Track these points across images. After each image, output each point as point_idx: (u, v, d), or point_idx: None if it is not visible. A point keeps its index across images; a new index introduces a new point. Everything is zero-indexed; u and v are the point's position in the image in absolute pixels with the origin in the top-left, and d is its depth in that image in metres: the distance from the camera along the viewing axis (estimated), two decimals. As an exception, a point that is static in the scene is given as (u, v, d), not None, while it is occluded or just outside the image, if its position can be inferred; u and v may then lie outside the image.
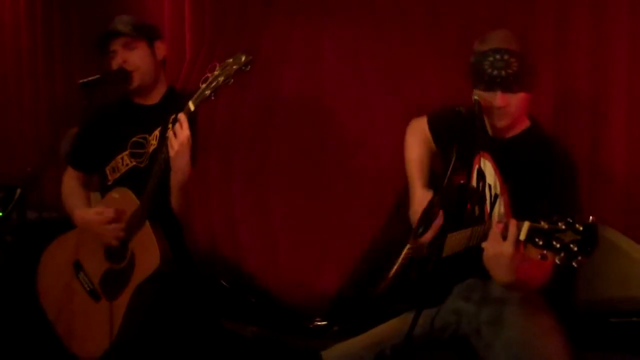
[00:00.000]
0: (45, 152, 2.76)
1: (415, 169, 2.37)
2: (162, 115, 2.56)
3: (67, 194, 2.69)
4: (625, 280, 2.37)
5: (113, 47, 2.53)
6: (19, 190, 2.36)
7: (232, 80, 2.23)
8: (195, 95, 2.28)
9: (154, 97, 2.62)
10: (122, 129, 2.60)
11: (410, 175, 2.37)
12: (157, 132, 2.56)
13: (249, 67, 2.22)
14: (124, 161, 2.58)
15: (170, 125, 2.51)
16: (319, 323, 3.02)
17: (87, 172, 2.72)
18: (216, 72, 2.24)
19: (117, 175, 2.60)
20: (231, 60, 2.24)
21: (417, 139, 2.42)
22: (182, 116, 2.30)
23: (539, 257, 1.69)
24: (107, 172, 2.62)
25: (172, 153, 2.29)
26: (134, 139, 2.58)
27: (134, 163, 2.57)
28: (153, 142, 2.56)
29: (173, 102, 2.58)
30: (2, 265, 3.12)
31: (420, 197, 2.26)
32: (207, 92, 2.25)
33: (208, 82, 2.25)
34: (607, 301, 2.39)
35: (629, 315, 2.34)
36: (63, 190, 2.70)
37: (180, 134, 2.27)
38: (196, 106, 2.28)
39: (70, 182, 2.70)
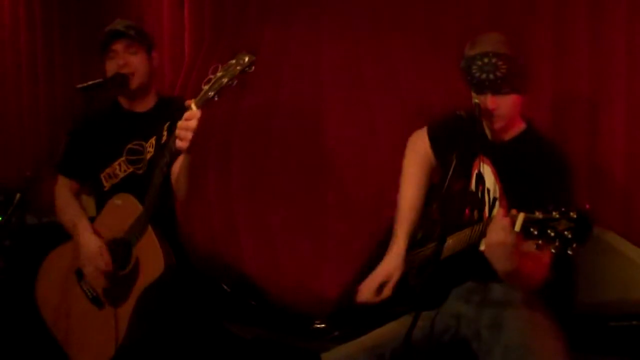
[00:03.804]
0: (45, 156, 2.76)
1: (404, 219, 2.31)
2: (157, 121, 2.57)
3: (61, 206, 2.68)
4: (624, 284, 2.37)
5: (114, 47, 2.53)
6: (18, 195, 2.36)
7: (236, 81, 2.16)
8: (198, 97, 2.20)
9: (146, 105, 2.63)
10: (116, 135, 2.60)
11: (398, 221, 2.31)
12: (153, 140, 2.56)
13: (253, 67, 2.16)
14: (122, 167, 2.59)
15: (165, 133, 2.53)
16: (318, 325, 3.02)
17: (80, 180, 2.70)
18: (219, 74, 2.17)
19: (115, 181, 2.60)
20: (234, 61, 2.17)
21: (414, 167, 2.36)
22: (192, 112, 2.18)
23: (535, 247, 1.70)
24: (103, 178, 2.62)
25: (185, 145, 2.18)
26: (129, 145, 2.58)
27: (132, 169, 2.58)
28: (150, 149, 2.56)
29: (166, 109, 2.60)
30: (1, 270, 3.12)
31: (396, 252, 2.24)
32: (211, 94, 2.17)
33: (211, 84, 2.17)
34: (606, 304, 2.39)
35: (629, 318, 2.34)
36: (57, 202, 2.69)
37: (190, 124, 2.18)
38: (199, 108, 2.20)
39: (63, 193, 2.69)
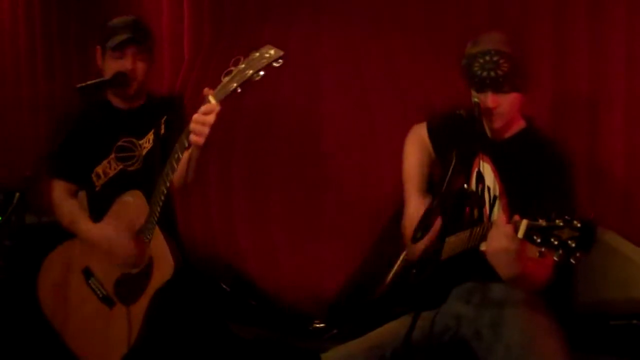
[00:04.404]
0: (45, 155, 2.75)
1: (412, 179, 2.34)
2: (147, 118, 2.56)
3: (57, 205, 2.65)
4: (624, 283, 2.38)
5: (126, 50, 2.50)
6: (18, 194, 2.35)
7: (262, 73, 2.02)
8: (217, 89, 2.07)
9: (136, 102, 2.61)
10: (104, 134, 2.59)
11: (406, 185, 2.35)
12: (150, 135, 2.56)
13: (281, 61, 2.03)
14: (111, 165, 2.58)
15: (163, 127, 2.52)
16: (318, 325, 3.02)
17: (75, 181, 2.68)
18: (242, 66, 2.04)
19: (105, 179, 2.60)
20: (257, 53, 2.05)
21: (415, 148, 2.40)
22: (211, 106, 2.07)
23: (537, 254, 1.70)
24: (94, 178, 2.61)
25: (201, 140, 2.09)
26: (118, 143, 2.58)
27: (121, 167, 2.58)
28: (146, 144, 2.56)
29: (156, 106, 2.60)
30: (1, 269, 3.11)
31: (416, 205, 2.25)
32: (233, 85, 2.03)
33: (232, 75, 2.05)
34: (606, 303, 2.40)
35: (628, 317, 2.34)
36: (54, 205, 2.66)
37: (207, 119, 2.08)
38: (219, 101, 2.07)
39: (57, 194, 2.67)
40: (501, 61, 2.00)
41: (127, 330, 2.41)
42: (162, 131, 2.53)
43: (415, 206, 2.26)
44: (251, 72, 2.02)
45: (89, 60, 2.85)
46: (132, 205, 2.46)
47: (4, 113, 4.49)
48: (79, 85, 2.41)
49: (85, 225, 2.56)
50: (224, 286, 3.32)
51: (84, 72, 3.86)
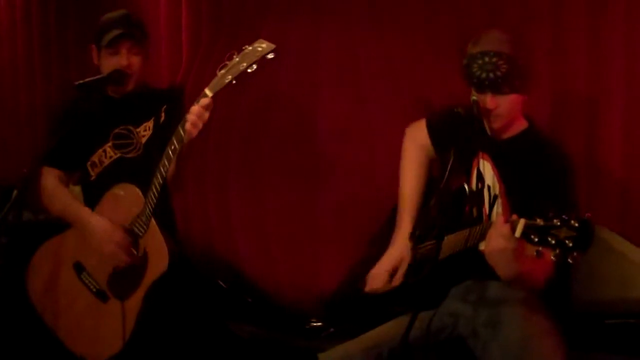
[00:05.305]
0: (42, 153, 2.74)
1: (407, 201, 2.32)
2: (145, 106, 2.58)
3: (52, 193, 2.62)
4: (621, 282, 2.38)
5: (120, 46, 2.52)
6: (15, 192, 2.35)
7: (255, 66, 2.13)
8: (213, 82, 2.18)
9: (129, 89, 2.60)
10: (100, 121, 2.59)
11: (401, 205, 2.33)
12: (149, 124, 2.56)
13: (273, 54, 2.13)
14: (107, 153, 2.58)
15: (163, 115, 2.54)
16: (315, 324, 3.02)
17: (68, 169, 2.67)
18: (236, 59, 2.15)
19: (100, 168, 2.60)
20: (250, 47, 2.16)
21: (413, 159, 2.37)
22: (210, 102, 2.20)
23: (535, 253, 1.70)
24: (89, 167, 2.61)
25: (195, 132, 2.22)
26: (116, 130, 2.58)
27: (119, 154, 2.57)
28: (145, 132, 2.57)
29: (155, 94, 2.63)
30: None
31: (408, 230, 2.22)
32: (228, 78, 2.15)
33: (228, 69, 2.16)
34: (603, 302, 2.40)
35: (625, 316, 2.35)
36: (46, 191, 2.63)
37: (205, 115, 2.21)
38: (215, 93, 2.19)
39: (51, 181, 2.63)
40: (500, 62, 1.99)
41: (121, 324, 2.40)
42: (162, 119, 2.55)
43: (407, 231, 2.25)
44: (245, 64, 2.13)
45: (86, 61, 2.86)
46: (123, 198, 2.45)
47: (2, 111, 4.49)
48: (77, 83, 2.42)
49: (83, 211, 2.54)
50: (221, 283, 3.31)
51: (81, 73, 3.85)
